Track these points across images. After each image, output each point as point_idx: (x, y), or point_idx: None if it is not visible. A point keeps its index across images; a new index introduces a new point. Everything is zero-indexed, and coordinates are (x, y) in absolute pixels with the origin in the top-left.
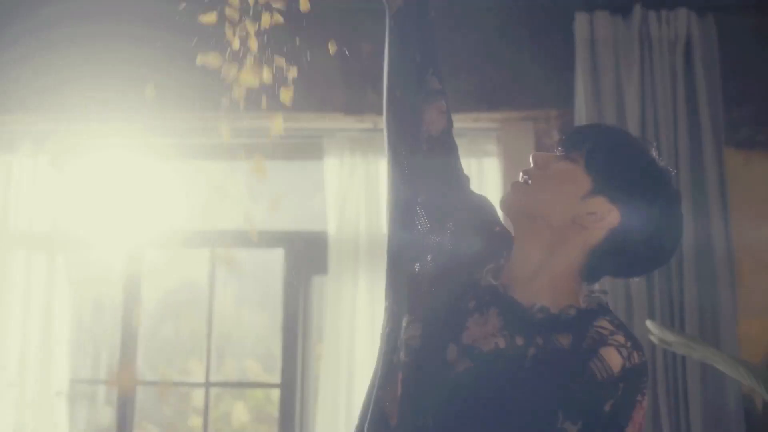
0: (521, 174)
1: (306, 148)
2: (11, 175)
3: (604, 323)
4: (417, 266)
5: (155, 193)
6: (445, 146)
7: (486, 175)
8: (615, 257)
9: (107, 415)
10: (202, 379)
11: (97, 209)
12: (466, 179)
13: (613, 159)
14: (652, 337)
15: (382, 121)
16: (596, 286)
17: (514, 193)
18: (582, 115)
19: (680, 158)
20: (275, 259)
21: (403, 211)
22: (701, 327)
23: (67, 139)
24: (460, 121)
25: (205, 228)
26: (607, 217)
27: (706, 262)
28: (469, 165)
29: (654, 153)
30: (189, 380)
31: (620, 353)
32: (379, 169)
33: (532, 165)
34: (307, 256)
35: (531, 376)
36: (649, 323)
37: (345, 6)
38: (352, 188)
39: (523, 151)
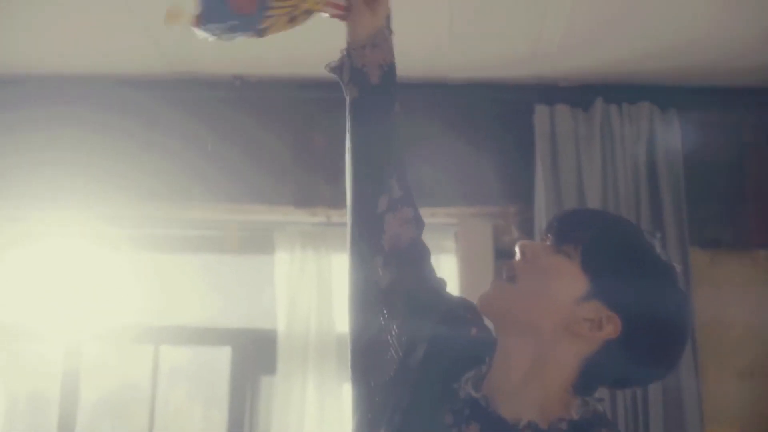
0: (505, 270)
1: (256, 242)
2: None
3: None
4: (389, 378)
5: (99, 285)
6: (414, 258)
7: (442, 272)
8: (615, 368)
9: None
10: None
11: (35, 299)
12: (442, 283)
13: (615, 257)
14: None
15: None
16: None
17: (496, 293)
18: (542, 211)
19: None
20: (222, 357)
21: (373, 334)
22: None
23: (5, 227)
24: None
25: (150, 323)
26: (606, 326)
27: None
28: None
29: (658, 248)
30: None
31: None
32: (332, 263)
33: (518, 256)
34: (255, 354)
35: None
36: None
37: (297, 95)
38: (302, 284)
39: (481, 248)
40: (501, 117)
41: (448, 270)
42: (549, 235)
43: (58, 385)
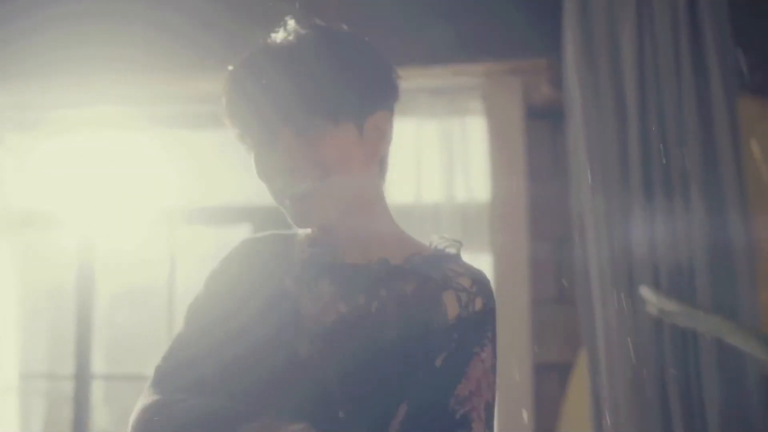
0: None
1: None
2: None
3: (452, 266)
4: None
5: (120, 168)
6: None
7: (471, 135)
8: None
9: (62, 411)
10: None
11: (52, 186)
12: None
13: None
14: (649, 308)
15: None
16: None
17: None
18: (572, 63)
19: (685, 109)
20: (241, 235)
21: None
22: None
23: (21, 112)
24: (439, 77)
25: (173, 204)
26: (383, 124)
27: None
28: (451, 126)
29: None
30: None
31: (459, 299)
32: None
33: None
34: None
35: (378, 334)
36: (644, 290)
37: None
38: None
39: (511, 107)
40: None
41: (476, 133)
42: (247, 136)
43: (74, 276)
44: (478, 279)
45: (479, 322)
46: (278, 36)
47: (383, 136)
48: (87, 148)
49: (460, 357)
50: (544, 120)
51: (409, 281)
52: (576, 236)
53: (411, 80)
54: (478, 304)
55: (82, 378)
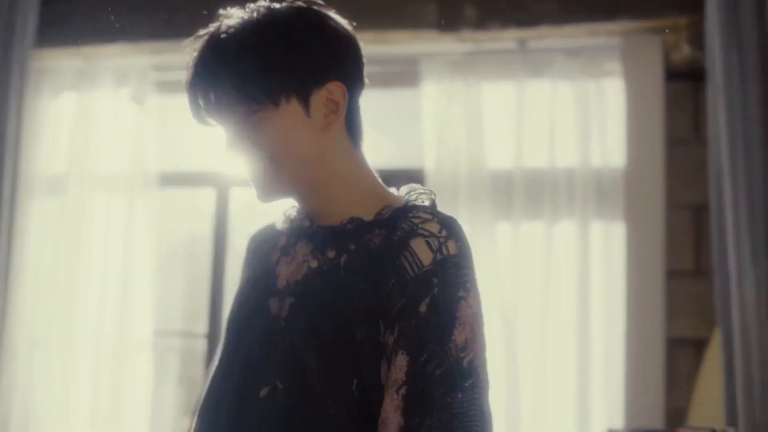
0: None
1: (399, 75)
2: (92, 114)
3: (419, 214)
4: None
5: None
6: None
7: (607, 98)
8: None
9: (195, 368)
10: None
11: (182, 146)
12: None
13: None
14: None
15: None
16: (419, 188)
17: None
18: (714, 21)
19: None
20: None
21: None
22: None
23: (151, 71)
24: (574, 37)
25: None
26: (334, 92)
27: None
28: (587, 88)
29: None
30: None
31: (430, 244)
32: (482, 93)
33: None
34: None
35: (347, 285)
36: None
37: None
38: (451, 118)
39: (650, 67)
40: None
41: (613, 96)
42: (205, 116)
43: (209, 233)
44: (447, 223)
45: (457, 266)
46: (225, 21)
47: (337, 108)
48: None
49: (446, 301)
50: (683, 81)
51: (376, 234)
52: (713, 205)
53: (544, 40)
54: (452, 247)
55: (214, 336)
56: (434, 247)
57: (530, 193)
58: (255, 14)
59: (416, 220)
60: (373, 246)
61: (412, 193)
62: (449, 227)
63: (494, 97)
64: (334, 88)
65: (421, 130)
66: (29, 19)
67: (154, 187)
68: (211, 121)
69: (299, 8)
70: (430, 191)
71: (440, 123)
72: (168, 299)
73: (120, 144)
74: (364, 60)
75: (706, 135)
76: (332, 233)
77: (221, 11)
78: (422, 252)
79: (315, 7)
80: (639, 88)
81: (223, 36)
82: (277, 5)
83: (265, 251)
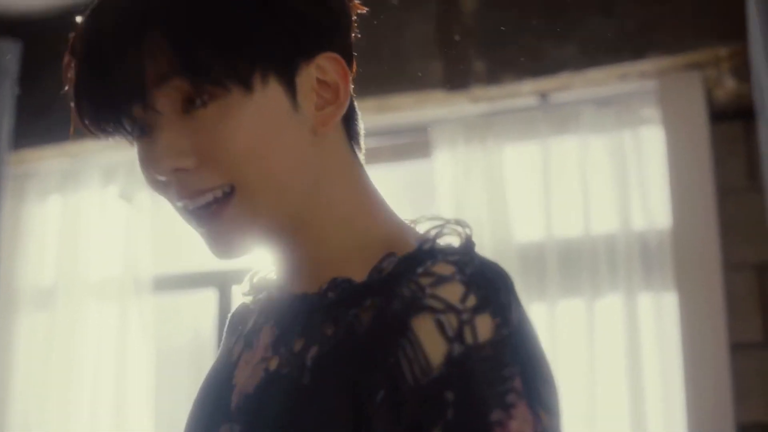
0: (157, 177)
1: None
2: (79, 217)
3: (434, 267)
4: None
5: None
6: None
7: (646, 149)
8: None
9: None
10: None
11: (177, 245)
12: None
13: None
14: None
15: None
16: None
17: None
18: (761, 47)
19: None
20: None
21: None
22: None
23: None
24: (601, 84)
25: None
26: (329, 70)
27: None
28: (621, 139)
29: None
30: None
31: (442, 326)
32: (503, 157)
33: (172, 177)
34: None
35: (312, 400)
36: None
37: None
38: (469, 186)
39: (692, 109)
40: None
41: (652, 146)
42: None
43: (213, 332)
44: (477, 282)
45: (492, 362)
46: None
47: (336, 95)
48: None
49: (471, 429)
50: (731, 121)
51: (367, 306)
52: None
53: (568, 91)
54: (484, 328)
55: None
56: (450, 332)
57: (565, 266)
58: None
59: (425, 280)
60: (358, 329)
61: (432, 228)
62: (481, 288)
63: (516, 161)
64: (329, 64)
65: (436, 204)
66: (4, 118)
67: (149, 292)
68: (111, 122)
69: None
70: (464, 224)
71: (457, 194)
72: (170, 413)
73: (110, 247)
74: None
75: (762, 180)
76: (305, 308)
77: None
78: (429, 341)
79: None
80: (681, 134)
81: None
82: None
83: (235, 339)
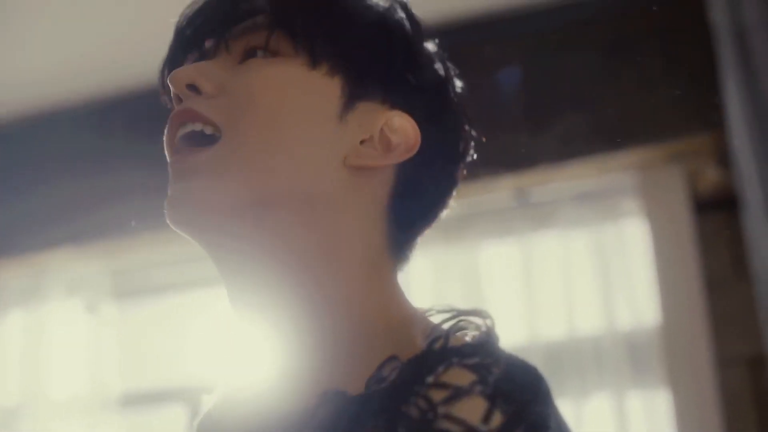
0: (174, 88)
1: None
2: (42, 332)
3: (446, 377)
4: None
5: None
6: None
7: (629, 243)
8: (420, 197)
9: None
10: None
11: (145, 360)
12: None
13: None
14: None
15: None
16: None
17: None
18: (743, 133)
19: None
20: None
21: None
22: None
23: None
24: (581, 176)
25: None
26: (397, 133)
27: None
28: (603, 234)
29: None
30: None
31: None
32: (479, 259)
33: (184, 91)
34: None
35: None
36: None
37: None
38: (445, 292)
39: (675, 202)
40: (665, 21)
41: (636, 240)
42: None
43: None
44: (502, 392)
45: None
46: None
47: (387, 149)
48: (190, 311)
49: None
50: (714, 212)
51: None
52: None
53: (546, 185)
54: None
55: None
56: None
57: (550, 370)
58: None
59: (437, 395)
60: None
61: (444, 321)
62: (509, 402)
63: (494, 259)
64: (401, 122)
65: None
66: None
67: (117, 409)
68: (215, 36)
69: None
70: (484, 314)
71: (433, 296)
72: None
73: (75, 363)
74: None
75: (750, 271)
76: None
77: None
78: None
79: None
80: (665, 227)
81: None
82: None
83: None
